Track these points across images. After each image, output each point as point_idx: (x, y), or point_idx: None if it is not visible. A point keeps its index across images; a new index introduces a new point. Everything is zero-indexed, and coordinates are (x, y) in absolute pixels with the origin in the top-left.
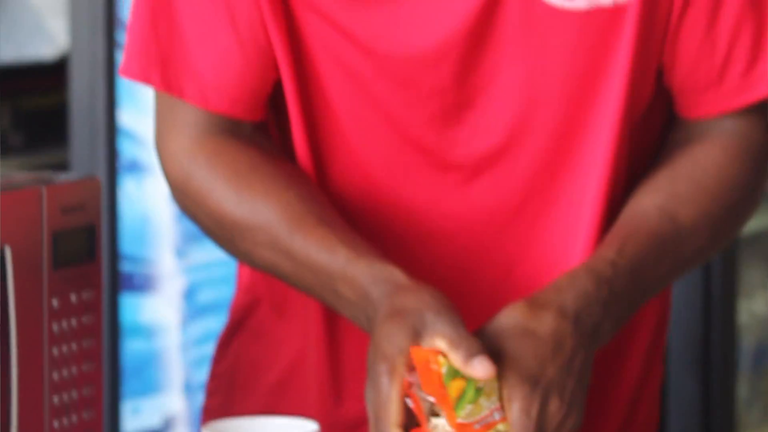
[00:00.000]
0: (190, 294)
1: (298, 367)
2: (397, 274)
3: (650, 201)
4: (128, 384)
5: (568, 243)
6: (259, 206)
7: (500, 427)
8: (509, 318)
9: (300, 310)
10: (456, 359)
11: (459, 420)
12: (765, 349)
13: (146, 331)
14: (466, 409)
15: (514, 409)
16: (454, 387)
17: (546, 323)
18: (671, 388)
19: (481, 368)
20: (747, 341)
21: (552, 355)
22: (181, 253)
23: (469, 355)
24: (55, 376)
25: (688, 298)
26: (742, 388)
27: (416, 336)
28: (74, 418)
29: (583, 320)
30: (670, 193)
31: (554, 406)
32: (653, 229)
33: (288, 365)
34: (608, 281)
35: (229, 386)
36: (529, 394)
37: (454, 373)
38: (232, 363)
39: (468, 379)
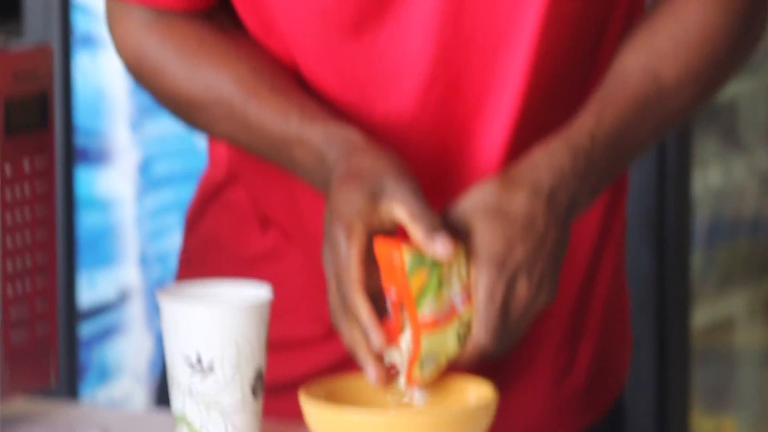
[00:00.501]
0: (145, 167)
1: (281, 246)
2: (353, 135)
3: (631, 61)
4: (84, 256)
5: (501, 109)
6: (211, 81)
7: (466, 314)
8: (481, 196)
9: (283, 188)
10: (416, 233)
11: (420, 317)
12: (719, 220)
13: (101, 204)
14: (429, 302)
15: (479, 293)
16: (417, 279)
17: (518, 202)
18: (626, 260)
19: (441, 247)
20: (701, 213)
21: (522, 237)
22: (135, 125)
23: (431, 231)
24: (9, 242)
25: (642, 170)
26: (697, 260)
27: (374, 199)
28: (28, 284)
29: (558, 197)
30: (650, 51)
31: (522, 288)
32: (634, 91)
33: (270, 243)
34: (585, 153)
35: (201, 258)
36: (495, 277)
37: (418, 264)
38: (205, 235)
39: (430, 269)
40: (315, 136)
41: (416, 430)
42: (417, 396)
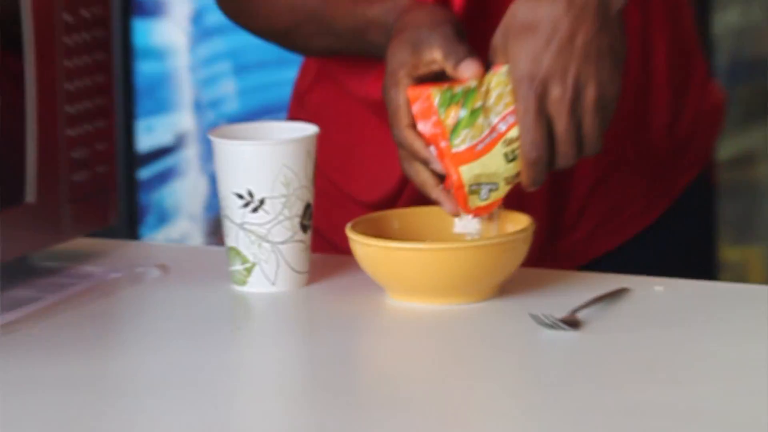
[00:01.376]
0: (197, 17)
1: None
2: (402, 1)
3: None
4: (142, 104)
5: None
6: (296, 2)
7: (511, 133)
8: (510, 16)
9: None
10: (449, 68)
11: (454, 150)
12: (739, 60)
13: (157, 53)
14: (463, 134)
15: (517, 111)
16: (449, 114)
17: (540, 13)
18: None
19: (466, 69)
20: (722, 53)
21: (545, 45)
22: None
23: (458, 60)
24: (70, 86)
25: None
26: None
27: (415, 50)
28: (88, 126)
29: None
30: None
31: (556, 93)
32: None
33: (374, 119)
34: None
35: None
36: (527, 90)
37: (448, 101)
38: (314, 108)
39: (462, 104)
40: (379, 15)
41: (454, 257)
42: (475, 224)
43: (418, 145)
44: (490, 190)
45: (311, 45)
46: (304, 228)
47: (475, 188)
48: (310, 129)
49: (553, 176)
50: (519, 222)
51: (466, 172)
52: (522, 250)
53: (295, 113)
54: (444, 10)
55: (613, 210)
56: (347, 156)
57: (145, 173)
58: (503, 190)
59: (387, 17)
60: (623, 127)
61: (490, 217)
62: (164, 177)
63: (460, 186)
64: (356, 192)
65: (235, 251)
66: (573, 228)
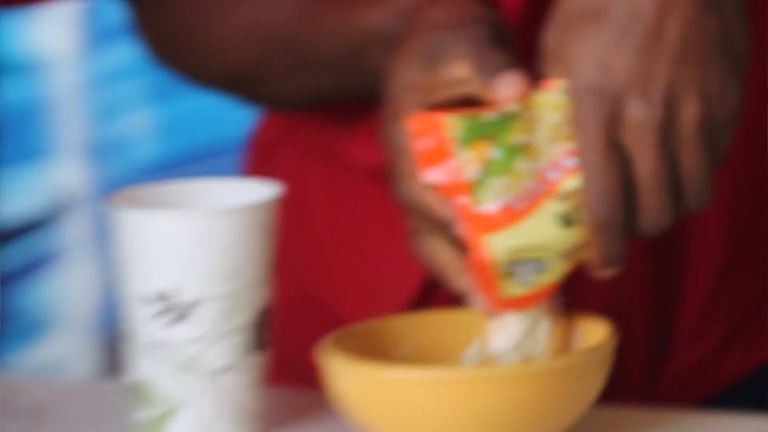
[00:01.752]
0: (93, 11)
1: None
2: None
3: None
4: (2, 147)
5: None
6: (264, 17)
7: (568, 183)
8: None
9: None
10: (478, 86)
11: (479, 208)
12: None
13: (29, 68)
14: (493, 186)
15: (579, 145)
16: (473, 155)
17: None
18: None
19: (503, 87)
20: None
21: (619, 39)
22: None
23: (491, 74)
24: None
25: None
26: None
27: (430, 63)
28: None
29: None
30: None
31: (636, 115)
32: None
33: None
34: None
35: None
36: (591, 114)
37: (472, 134)
38: (285, 176)
39: (495, 138)
40: (380, 22)
41: (491, 392)
42: (515, 324)
43: (432, 201)
44: (537, 271)
45: (285, 87)
46: (258, 347)
47: (511, 268)
48: (266, 189)
49: (659, 251)
50: (591, 330)
51: (498, 244)
52: (597, 379)
53: (254, 171)
54: (477, 3)
55: (752, 307)
56: (333, 254)
57: (5, 260)
58: (557, 270)
59: (394, 25)
60: (753, 162)
61: (546, 321)
62: (35, 266)
63: (487, 265)
64: (348, 309)
65: (144, 390)
66: (691, 339)
